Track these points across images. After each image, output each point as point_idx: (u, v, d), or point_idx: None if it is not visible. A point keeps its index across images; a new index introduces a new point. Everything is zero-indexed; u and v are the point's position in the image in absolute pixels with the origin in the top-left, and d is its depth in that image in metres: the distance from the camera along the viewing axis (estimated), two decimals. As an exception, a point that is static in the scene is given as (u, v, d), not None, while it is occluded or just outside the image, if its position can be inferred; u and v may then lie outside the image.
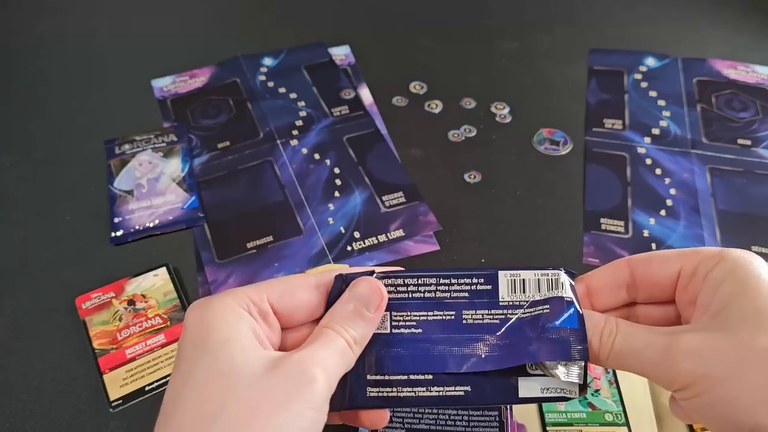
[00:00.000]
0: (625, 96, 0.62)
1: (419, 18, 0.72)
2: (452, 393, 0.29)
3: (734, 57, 0.66)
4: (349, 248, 0.50)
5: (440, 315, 0.30)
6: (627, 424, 0.39)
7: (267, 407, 0.23)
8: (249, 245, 0.50)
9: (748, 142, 0.57)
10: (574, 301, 0.29)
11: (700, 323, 0.26)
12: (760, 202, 0.52)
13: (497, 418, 0.39)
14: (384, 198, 0.53)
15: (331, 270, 0.31)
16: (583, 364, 0.28)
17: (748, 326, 0.24)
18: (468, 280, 0.30)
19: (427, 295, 0.30)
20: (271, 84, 0.64)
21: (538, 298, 0.30)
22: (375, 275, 0.30)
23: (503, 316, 0.30)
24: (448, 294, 0.30)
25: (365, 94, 0.63)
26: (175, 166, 0.56)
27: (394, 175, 0.55)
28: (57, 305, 0.46)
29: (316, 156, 0.57)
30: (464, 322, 0.30)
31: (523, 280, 0.30)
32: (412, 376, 0.29)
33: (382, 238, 0.50)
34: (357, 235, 0.51)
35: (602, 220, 0.51)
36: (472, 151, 0.57)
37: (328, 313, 0.28)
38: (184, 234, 0.51)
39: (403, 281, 0.30)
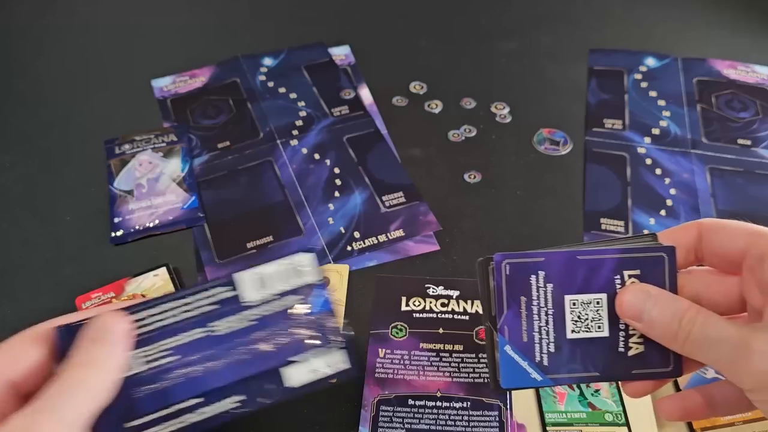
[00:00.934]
0: (625, 96, 0.62)
1: (419, 18, 0.72)
2: (227, 407, 0.29)
3: (734, 57, 0.66)
4: (349, 248, 0.50)
5: (190, 335, 0.29)
6: (627, 424, 0.39)
7: None
8: (249, 245, 0.50)
9: (748, 142, 0.57)
10: (320, 283, 0.30)
11: None
12: (760, 202, 0.52)
13: (497, 418, 0.39)
14: (384, 198, 0.53)
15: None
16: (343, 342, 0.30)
17: None
18: (207, 293, 0.30)
19: (171, 320, 0.29)
20: (271, 84, 0.64)
21: (286, 288, 0.30)
22: (113, 311, 0.29)
23: (257, 316, 0.30)
24: (192, 312, 0.29)
25: (365, 94, 0.63)
26: (175, 166, 0.56)
27: (394, 175, 0.55)
28: (57, 305, 0.46)
29: (316, 156, 0.57)
30: (216, 334, 0.29)
31: (264, 276, 0.30)
32: (177, 406, 0.28)
33: (382, 238, 0.50)
34: (357, 235, 0.51)
35: (602, 220, 0.51)
36: (472, 151, 0.57)
37: (61, 364, 0.25)
38: (184, 234, 0.51)
39: (144, 314, 0.29)
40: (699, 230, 0.29)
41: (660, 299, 0.28)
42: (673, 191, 0.53)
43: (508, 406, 0.40)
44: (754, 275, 0.27)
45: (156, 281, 0.47)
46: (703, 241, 0.29)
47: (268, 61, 0.66)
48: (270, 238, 0.50)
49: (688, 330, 0.26)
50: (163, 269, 0.48)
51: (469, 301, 0.45)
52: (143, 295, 0.46)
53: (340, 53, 0.68)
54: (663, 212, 0.52)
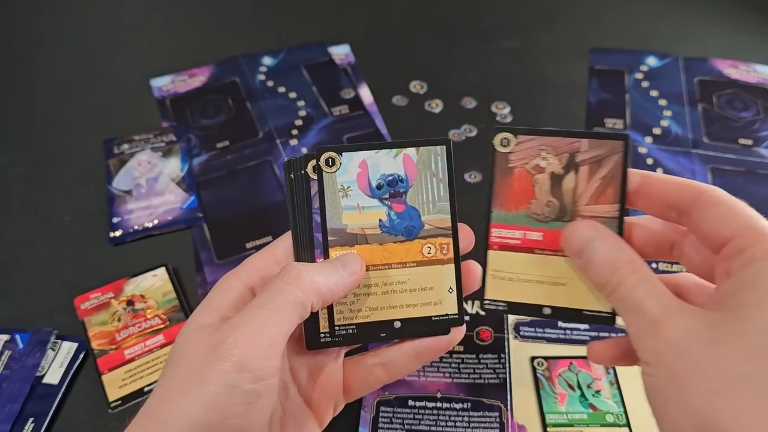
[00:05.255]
0: (626, 95, 0.62)
1: (419, 17, 0.72)
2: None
3: (735, 56, 0.65)
4: (348, 248, 0.49)
5: None
6: (628, 424, 0.38)
7: (192, 379, 0.27)
8: (248, 245, 0.50)
9: (750, 142, 0.57)
10: None
11: (706, 314, 0.24)
12: (761, 202, 0.52)
13: (497, 419, 0.39)
14: (384, 198, 0.53)
15: None
16: None
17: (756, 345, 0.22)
18: None
19: None
20: (270, 83, 0.64)
21: None
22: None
23: None
24: None
25: (365, 94, 0.63)
26: (174, 166, 0.56)
27: (394, 174, 0.55)
28: (56, 305, 0.46)
29: (316, 156, 0.57)
30: None
31: None
32: None
33: (382, 238, 0.50)
34: (357, 235, 0.50)
35: (603, 220, 0.51)
36: (473, 151, 0.57)
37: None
38: (183, 234, 0.51)
39: None
40: (698, 197, 0.27)
41: (605, 242, 0.28)
42: (674, 191, 0.53)
43: (509, 407, 0.39)
44: (723, 264, 0.25)
45: (155, 281, 0.47)
46: (694, 208, 0.27)
47: (267, 61, 0.66)
48: (269, 239, 0.50)
49: (616, 285, 0.26)
50: (162, 269, 0.48)
51: (469, 301, 0.45)
52: (142, 296, 0.46)
53: (340, 52, 0.67)
54: (664, 212, 0.51)
